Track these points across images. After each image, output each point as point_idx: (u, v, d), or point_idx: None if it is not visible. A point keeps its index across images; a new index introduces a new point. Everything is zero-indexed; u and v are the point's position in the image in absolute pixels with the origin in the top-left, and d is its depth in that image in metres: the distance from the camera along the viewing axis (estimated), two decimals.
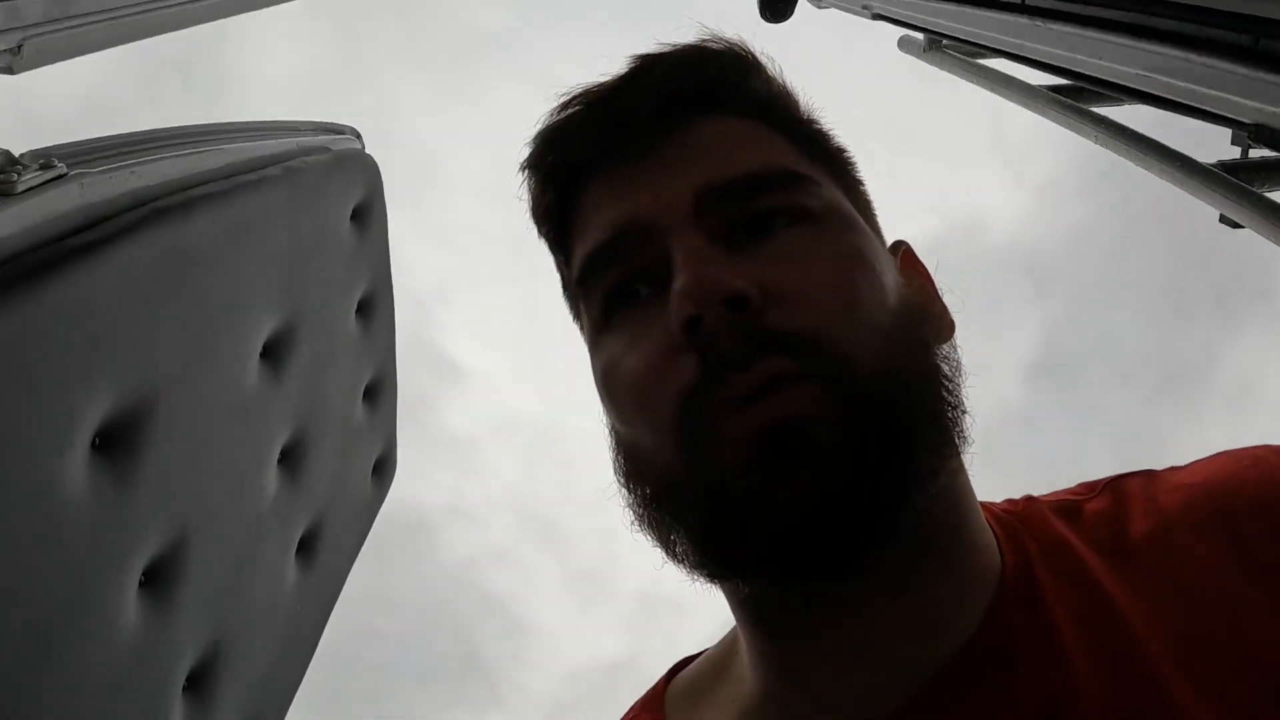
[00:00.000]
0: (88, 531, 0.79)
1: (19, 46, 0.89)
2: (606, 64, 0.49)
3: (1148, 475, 0.49)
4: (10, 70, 0.91)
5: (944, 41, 1.08)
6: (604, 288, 0.45)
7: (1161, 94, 0.62)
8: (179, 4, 1.07)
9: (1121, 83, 0.65)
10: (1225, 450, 0.48)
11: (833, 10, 1.20)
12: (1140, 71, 0.62)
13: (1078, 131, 0.83)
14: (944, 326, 0.47)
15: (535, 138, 0.49)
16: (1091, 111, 0.78)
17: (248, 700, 1.14)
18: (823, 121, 0.51)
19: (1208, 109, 0.58)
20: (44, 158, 0.89)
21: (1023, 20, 0.70)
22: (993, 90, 0.97)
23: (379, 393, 1.45)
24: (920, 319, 0.45)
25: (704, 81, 0.47)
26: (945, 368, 0.44)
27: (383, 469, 1.52)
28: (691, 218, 0.42)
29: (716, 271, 0.39)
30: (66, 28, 0.92)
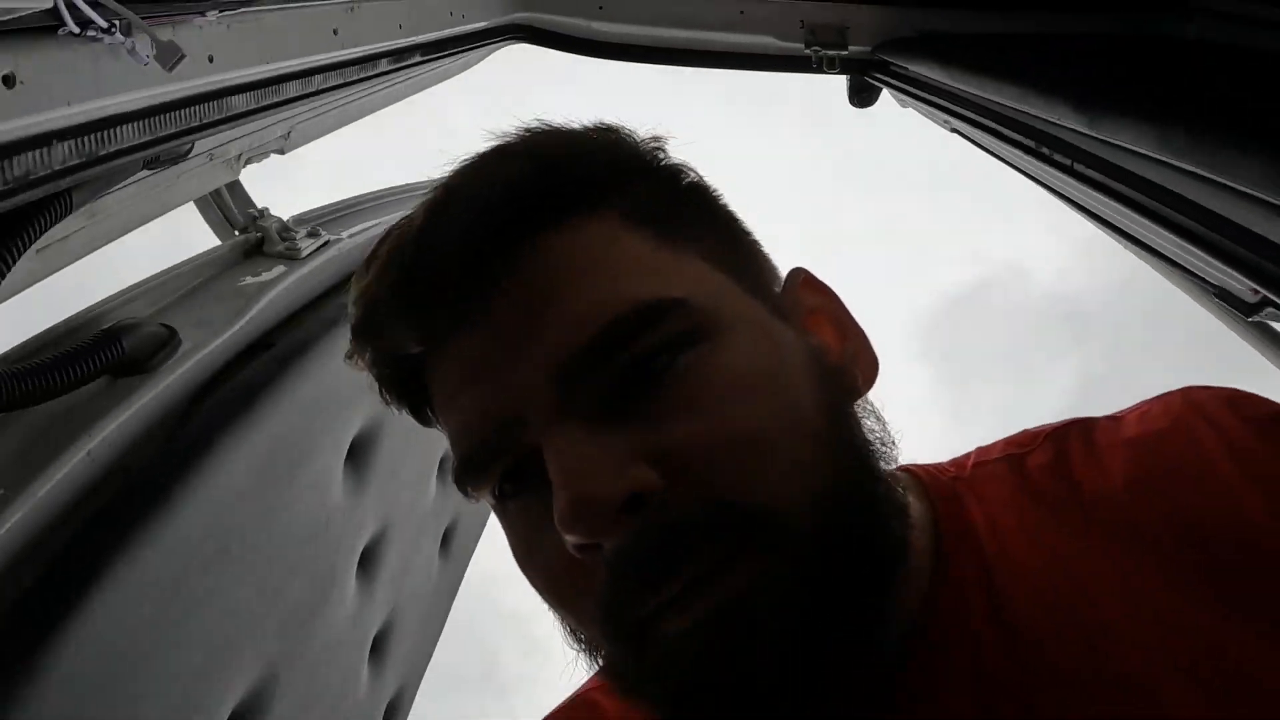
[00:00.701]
0: (341, 523, 1.09)
1: (289, 133, 1.20)
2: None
3: (1087, 426, 0.49)
4: (281, 151, 1.22)
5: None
6: (488, 487, 0.41)
7: (1164, 255, 0.90)
8: (392, 85, 1.36)
9: (1139, 239, 0.93)
10: (1159, 398, 0.48)
11: (911, 110, 1.47)
12: (1151, 238, 0.89)
13: (1117, 240, 1.10)
14: (864, 369, 0.45)
15: (355, 307, 0.44)
16: (1128, 234, 1.06)
17: (403, 666, 1.43)
18: (671, 162, 0.46)
19: (1185, 267, 0.86)
20: (307, 224, 1.20)
21: (1070, 180, 0.97)
22: (1050, 195, 1.24)
23: None
24: (838, 387, 0.42)
25: (515, 204, 0.40)
26: (874, 442, 0.42)
27: None
28: (554, 405, 0.38)
29: (597, 482, 0.35)
30: (320, 114, 1.23)
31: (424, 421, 0.46)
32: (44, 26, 0.66)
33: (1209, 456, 0.43)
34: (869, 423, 0.43)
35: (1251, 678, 0.38)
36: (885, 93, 1.62)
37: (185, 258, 0.95)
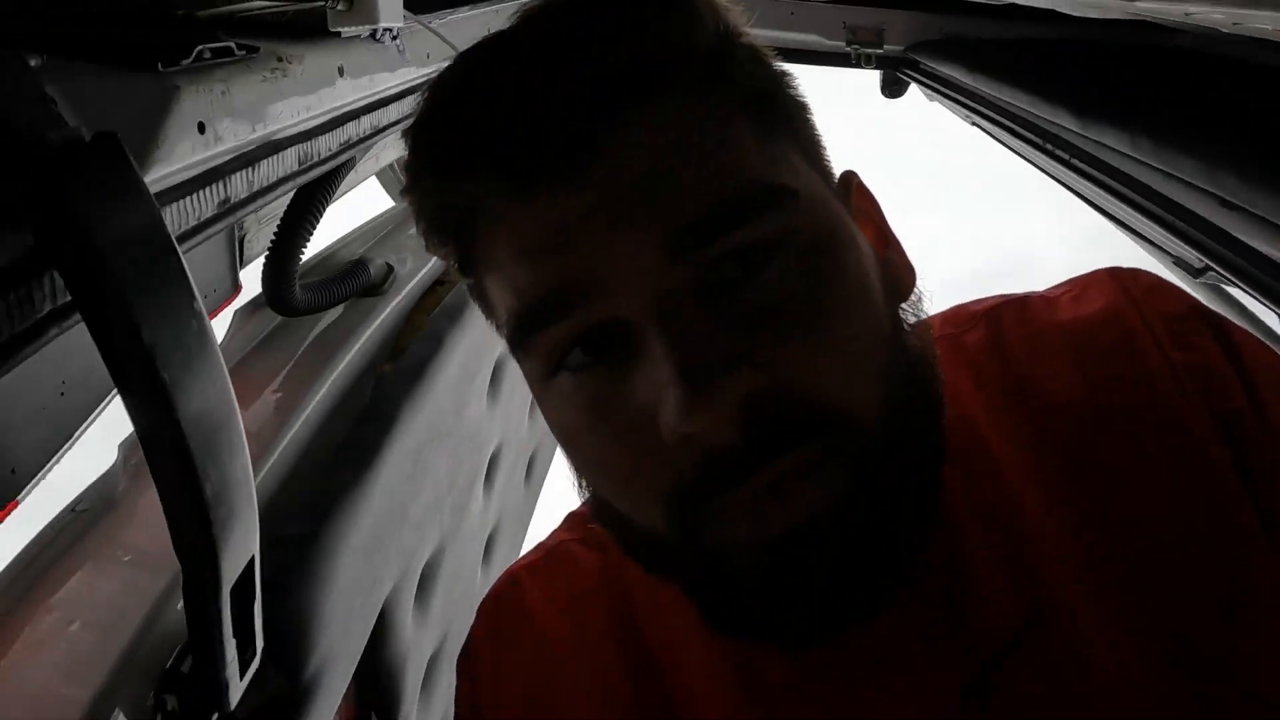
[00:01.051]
0: (484, 431, 1.40)
1: None
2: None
3: (1021, 304, 0.51)
4: None
5: None
6: (545, 349, 0.40)
7: (1138, 230, 1.26)
8: None
9: (1120, 219, 1.29)
10: (1089, 280, 0.51)
11: (938, 104, 1.82)
12: (1128, 217, 1.25)
13: (1104, 219, 1.46)
14: (907, 278, 0.45)
15: (427, 136, 0.42)
16: (1112, 215, 1.41)
17: (500, 568, 1.74)
18: (751, 40, 0.44)
19: (1153, 240, 1.22)
20: None
21: (1068, 171, 1.31)
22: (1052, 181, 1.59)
23: None
24: (894, 293, 0.44)
25: (634, 61, 0.38)
26: (923, 347, 0.43)
27: None
28: (659, 276, 0.37)
29: (719, 380, 0.35)
30: None
31: (465, 272, 0.45)
32: (359, 36, 0.98)
33: (1138, 342, 0.46)
34: (911, 320, 0.44)
35: (1169, 573, 0.42)
36: (913, 86, 1.96)
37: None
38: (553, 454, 1.98)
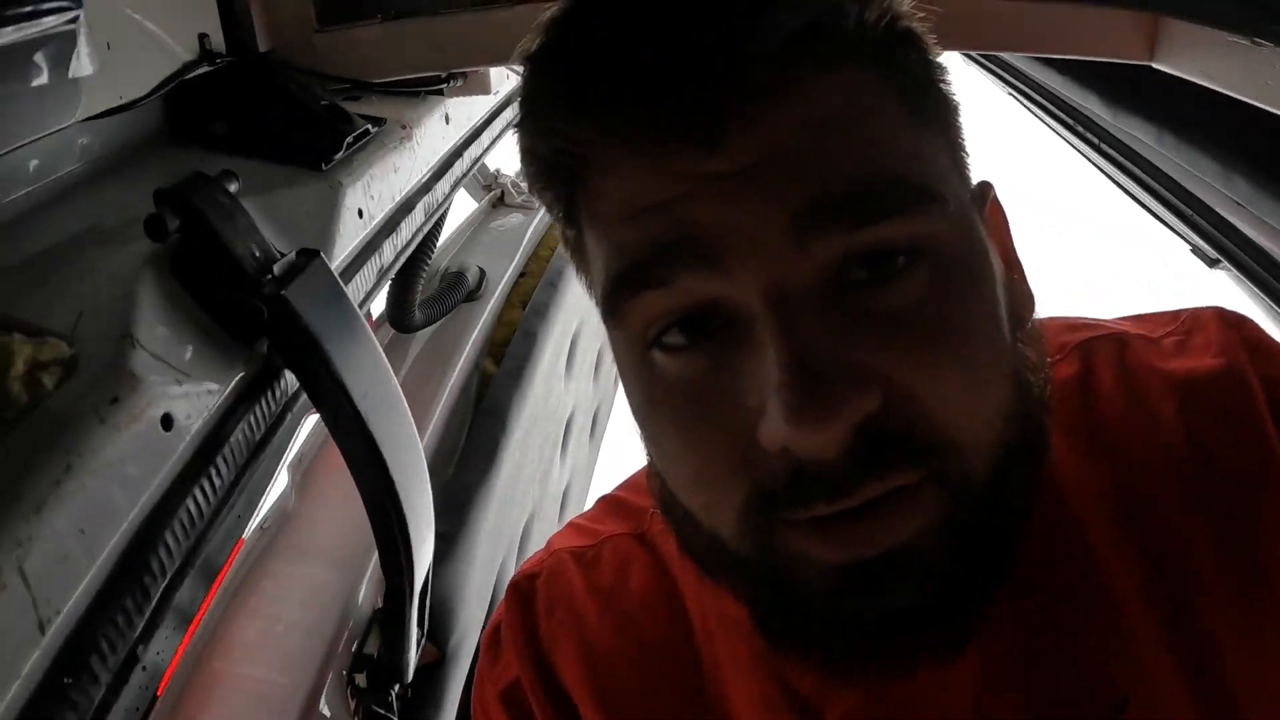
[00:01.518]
0: (562, 404, 1.54)
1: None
2: None
3: (1118, 344, 0.48)
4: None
5: None
6: (641, 317, 0.37)
7: (1161, 218, 1.36)
8: None
9: (1145, 204, 1.39)
10: (1194, 322, 0.48)
11: (975, 69, 1.89)
12: (1153, 205, 1.35)
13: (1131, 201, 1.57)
14: (1027, 308, 0.42)
15: (548, 70, 0.38)
16: (1138, 200, 1.52)
17: None
18: (912, 26, 0.39)
19: (1173, 228, 1.33)
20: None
21: (1096, 155, 1.41)
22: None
23: None
24: (1017, 324, 0.40)
25: (808, 27, 0.35)
26: (1040, 389, 0.40)
27: None
28: (779, 263, 0.34)
29: (839, 399, 0.32)
30: None
31: (568, 222, 0.41)
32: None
33: (1252, 406, 0.44)
34: (1029, 353, 0.40)
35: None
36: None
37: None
38: (613, 407, 2.15)
